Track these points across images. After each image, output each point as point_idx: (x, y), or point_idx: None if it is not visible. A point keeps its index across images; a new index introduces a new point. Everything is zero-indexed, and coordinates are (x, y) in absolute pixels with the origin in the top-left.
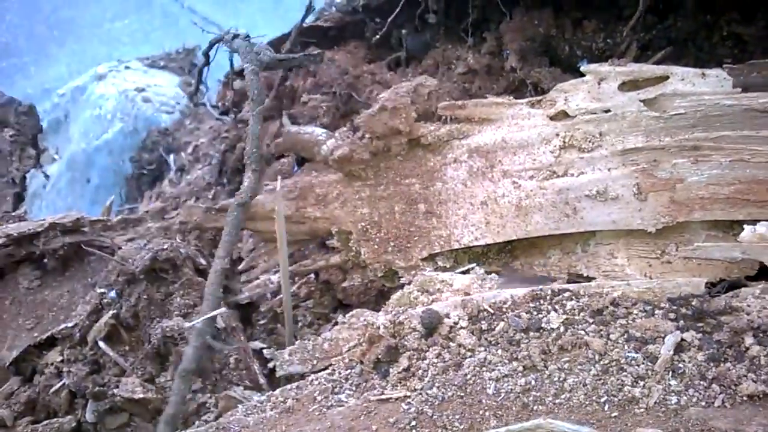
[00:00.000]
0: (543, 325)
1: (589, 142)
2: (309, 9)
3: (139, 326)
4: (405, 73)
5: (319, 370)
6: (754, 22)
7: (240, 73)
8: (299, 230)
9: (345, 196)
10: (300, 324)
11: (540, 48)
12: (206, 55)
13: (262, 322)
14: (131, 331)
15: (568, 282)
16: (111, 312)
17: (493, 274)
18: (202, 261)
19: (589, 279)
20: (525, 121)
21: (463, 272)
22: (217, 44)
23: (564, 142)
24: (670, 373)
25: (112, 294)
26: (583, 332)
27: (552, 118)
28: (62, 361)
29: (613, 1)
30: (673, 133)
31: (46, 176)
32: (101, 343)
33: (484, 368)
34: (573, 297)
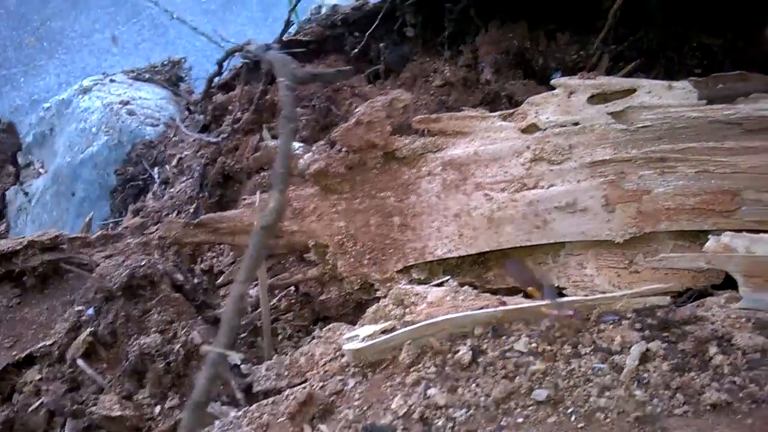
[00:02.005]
0: (514, 346)
1: (559, 154)
2: (288, 24)
3: (116, 343)
4: (384, 86)
5: (295, 385)
6: (722, 33)
7: (223, 87)
8: (277, 244)
9: (321, 209)
10: (280, 337)
11: (514, 60)
12: (219, 65)
13: (242, 335)
14: (109, 348)
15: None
16: (89, 329)
17: (467, 287)
18: (180, 277)
19: (560, 289)
20: (497, 134)
21: (438, 284)
22: (233, 54)
23: (534, 154)
24: (636, 383)
25: (90, 311)
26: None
27: (523, 131)
28: (41, 379)
29: (586, 14)
30: (640, 145)
31: (25, 194)
32: (79, 361)
33: None
34: None
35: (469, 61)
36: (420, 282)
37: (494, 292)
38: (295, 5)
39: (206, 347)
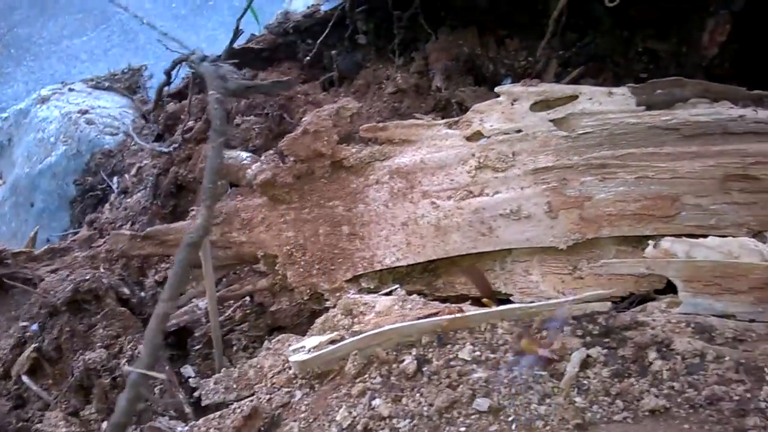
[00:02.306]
0: (458, 354)
1: (503, 162)
2: (237, 32)
3: (62, 359)
4: (338, 93)
5: (244, 398)
6: (667, 38)
7: (175, 96)
8: (225, 255)
9: (270, 219)
10: (235, 348)
11: (465, 67)
12: (168, 74)
13: (196, 347)
14: (54, 364)
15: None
16: (33, 345)
17: (415, 295)
18: (126, 290)
19: (507, 296)
20: (443, 142)
21: (386, 294)
22: (180, 64)
23: (479, 162)
24: (576, 389)
25: (34, 327)
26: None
27: (468, 139)
28: None
29: (535, 20)
30: (581, 151)
31: None
32: (24, 378)
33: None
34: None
35: (420, 67)
36: (369, 291)
37: (444, 300)
38: (243, 14)
39: (127, 368)
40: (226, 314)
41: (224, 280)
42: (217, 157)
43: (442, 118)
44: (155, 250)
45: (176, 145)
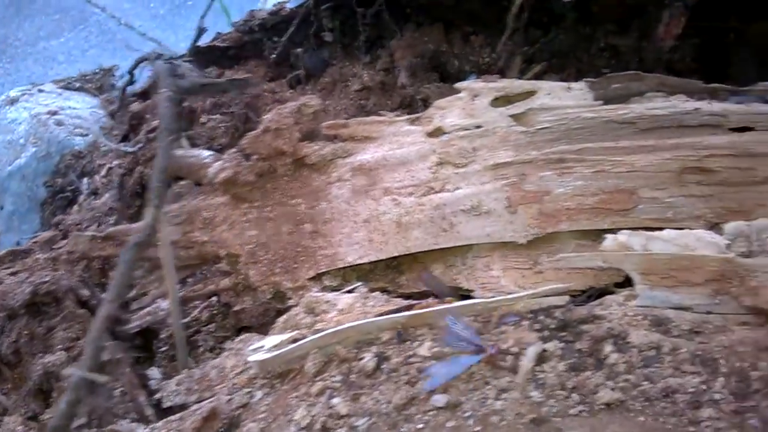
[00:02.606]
0: (417, 350)
1: (463, 157)
2: (201, 31)
3: (21, 363)
4: (304, 91)
5: (205, 399)
6: (628, 33)
7: (141, 95)
8: (188, 255)
9: (232, 218)
10: (201, 349)
11: (430, 64)
12: (131, 73)
13: (162, 349)
14: (13, 368)
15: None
16: None
17: (377, 293)
18: (86, 292)
19: (469, 291)
20: (404, 139)
21: (349, 291)
22: (142, 63)
23: (440, 158)
24: (533, 384)
25: None
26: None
27: (429, 135)
28: None
29: (500, 17)
30: (540, 146)
31: None
32: None
33: None
34: None
35: (386, 65)
36: (332, 289)
37: (407, 297)
38: (206, 12)
39: (68, 370)
40: (193, 315)
41: (190, 280)
42: (166, 156)
43: (409, 114)
44: (116, 250)
45: (141, 145)
